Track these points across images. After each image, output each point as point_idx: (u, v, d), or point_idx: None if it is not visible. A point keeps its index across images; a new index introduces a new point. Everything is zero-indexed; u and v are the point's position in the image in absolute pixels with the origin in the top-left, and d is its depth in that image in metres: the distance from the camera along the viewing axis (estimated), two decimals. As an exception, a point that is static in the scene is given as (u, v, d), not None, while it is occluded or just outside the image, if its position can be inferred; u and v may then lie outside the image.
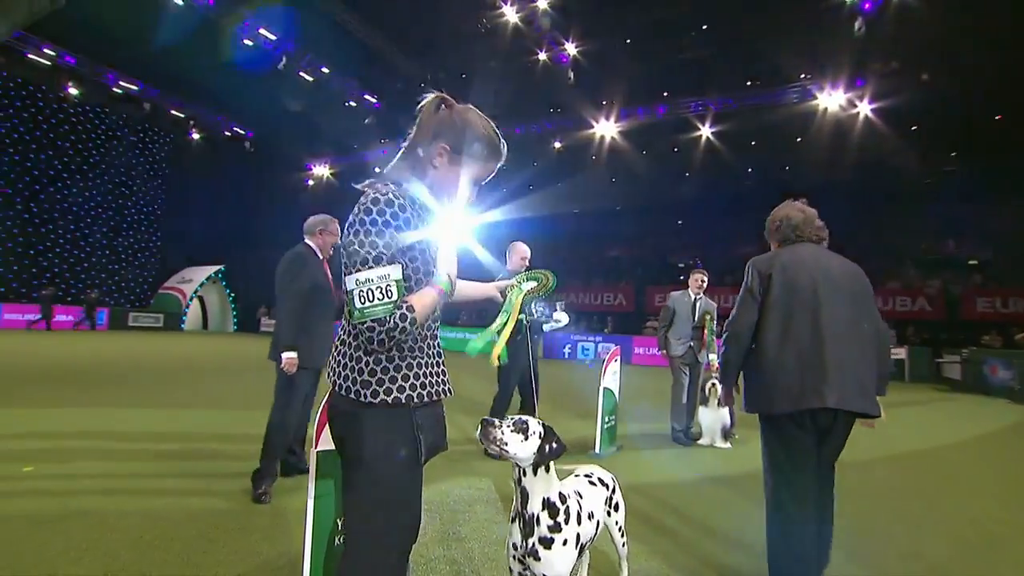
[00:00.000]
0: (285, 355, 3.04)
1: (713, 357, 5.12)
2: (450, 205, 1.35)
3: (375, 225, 1.17)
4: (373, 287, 1.14)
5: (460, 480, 3.57)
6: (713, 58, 17.09)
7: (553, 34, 17.78)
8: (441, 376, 1.33)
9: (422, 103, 1.32)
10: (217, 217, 25.13)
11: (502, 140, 1.35)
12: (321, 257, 3.33)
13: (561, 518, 1.50)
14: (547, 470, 1.50)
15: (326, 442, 1.68)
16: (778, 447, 1.98)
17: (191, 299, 22.83)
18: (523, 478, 1.49)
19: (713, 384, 4.99)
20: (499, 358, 1.52)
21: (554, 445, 1.47)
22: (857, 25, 13.99)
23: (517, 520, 1.51)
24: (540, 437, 1.45)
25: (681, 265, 21.05)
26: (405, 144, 1.34)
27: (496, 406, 4.44)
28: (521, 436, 1.44)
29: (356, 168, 22.67)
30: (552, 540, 1.47)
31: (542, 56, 18.50)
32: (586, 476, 1.84)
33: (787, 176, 19.70)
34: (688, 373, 5.17)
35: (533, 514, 1.49)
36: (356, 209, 1.21)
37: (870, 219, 18.37)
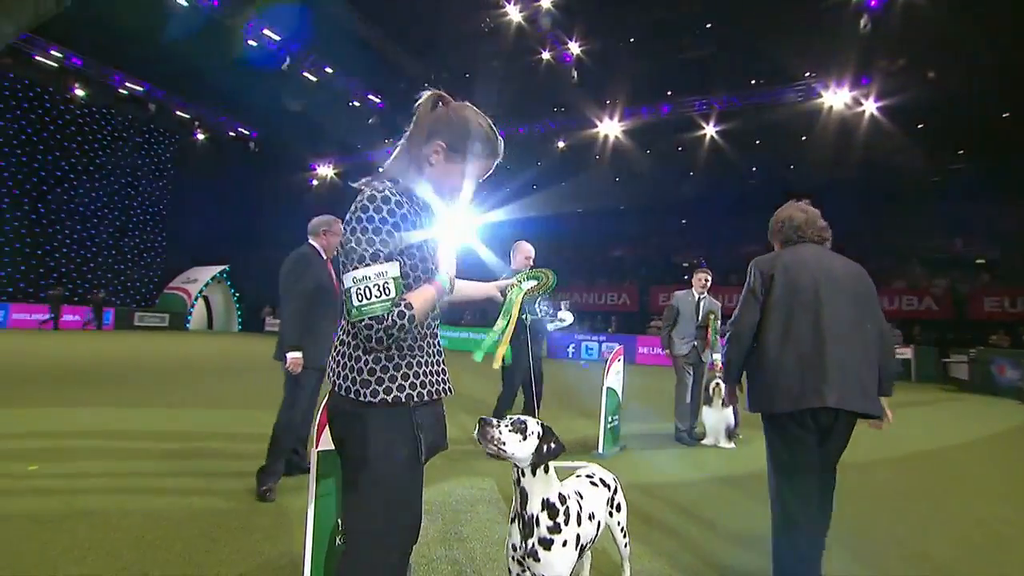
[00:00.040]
0: (290, 355, 3.05)
1: (717, 357, 5.10)
2: (447, 202, 1.34)
3: (372, 223, 1.17)
4: (371, 284, 1.14)
5: (463, 480, 3.56)
6: (717, 57, 17.01)
7: (556, 33, 17.75)
8: (441, 375, 1.32)
9: (419, 101, 1.32)
10: (222, 217, 25.24)
11: (499, 137, 1.34)
12: (325, 257, 3.33)
13: (561, 519, 1.49)
14: (546, 471, 1.49)
15: (326, 442, 1.67)
16: (781, 446, 1.98)
17: (196, 299, 22.95)
18: (522, 479, 1.48)
19: (717, 384, 4.96)
20: (503, 359, 1.52)
21: (552, 445, 1.45)
22: (863, 22, 13.90)
23: (516, 521, 1.50)
24: (538, 437, 1.44)
25: (685, 265, 20.97)
26: (401, 141, 1.33)
27: (500, 405, 4.44)
28: (519, 436, 1.43)
29: (360, 168, 22.56)
30: (552, 541, 1.46)
31: (545, 55, 18.47)
32: (587, 477, 1.82)
33: (792, 175, 19.61)
34: (692, 373, 5.15)
35: (532, 515, 1.47)
36: (353, 207, 1.20)
37: (876, 218, 18.26)
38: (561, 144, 22.09)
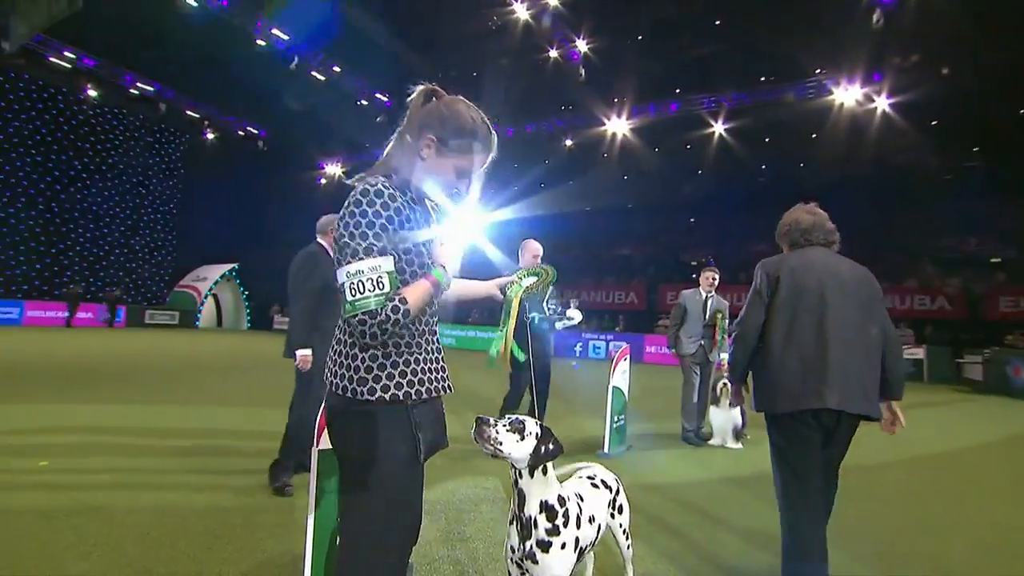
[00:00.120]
0: (299, 353, 3.07)
1: (724, 356, 5.05)
2: (441, 196, 1.33)
3: (365, 217, 1.15)
4: (364, 279, 1.12)
5: (466, 479, 3.55)
6: (725, 54, 16.86)
7: (564, 31, 17.68)
8: (440, 372, 1.30)
9: (411, 95, 1.30)
10: (231, 216, 25.48)
11: (492, 131, 1.32)
12: (333, 256, 3.33)
13: (560, 521, 1.47)
14: (544, 472, 1.47)
15: (327, 441, 1.66)
16: (784, 446, 2.00)
17: (206, 297, 23.18)
18: (519, 480, 1.46)
19: (724, 384, 4.91)
20: (514, 355, 1.51)
21: (551, 446, 1.43)
22: (875, 18, 13.69)
23: (515, 523, 1.49)
24: (536, 438, 1.42)
25: (693, 263, 20.81)
26: (394, 136, 1.32)
27: (506, 405, 4.42)
28: (517, 436, 1.41)
29: (368, 167, 22.56)
30: (550, 544, 1.44)
31: (553, 53, 18.41)
32: (588, 478, 1.80)
33: (802, 173, 19.40)
34: (699, 372, 5.11)
35: (530, 517, 1.46)
36: (346, 202, 1.19)
37: (888, 216, 18.02)
38: (569, 142, 22.03)
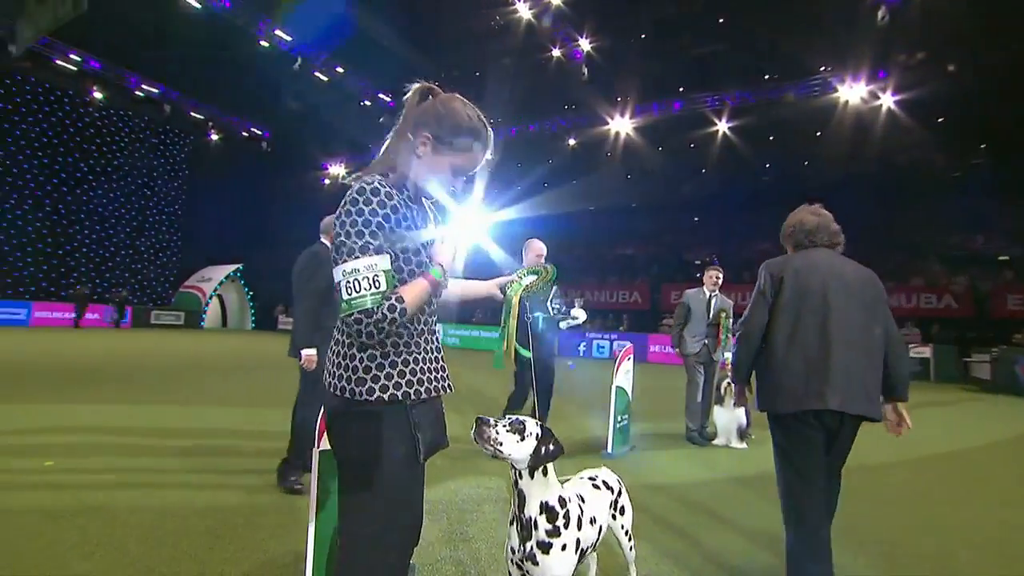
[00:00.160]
0: (304, 352, 3.07)
1: (728, 355, 5.02)
2: (437, 194, 1.32)
3: (361, 215, 1.14)
4: (360, 277, 1.11)
5: (469, 479, 3.55)
6: (729, 52, 16.78)
7: (567, 30, 17.65)
8: (440, 372, 1.29)
9: (407, 94, 1.30)
10: (235, 217, 25.57)
11: (488, 128, 1.31)
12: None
13: (560, 522, 1.46)
14: (544, 474, 1.46)
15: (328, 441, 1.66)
16: (787, 446, 2.01)
17: (211, 297, 23.28)
18: (519, 481, 1.45)
19: (729, 383, 4.89)
20: (518, 354, 1.51)
21: (551, 447, 1.42)
22: (880, 14, 13.59)
23: (515, 524, 1.48)
24: (537, 438, 1.41)
25: (697, 262, 20.73)
26: (390, 135, 1.31)
27: (510, 405, 4.41)
28: (517, 436, 1.40)
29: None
30: (550, 545, 1.43)
31: (556, 53, 18.38)
32: (590, 479, 1.80)
33: (806, 171, 19.29)
34: (703, 372, 5.08)
35: (530, 518, 1.45)
36: (343, 201, 1.18)
37: (894, 214, 17.88)
38: (572, 142, 21.99)
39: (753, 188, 19.78)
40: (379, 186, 1.18)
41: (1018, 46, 13.27)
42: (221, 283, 23.57)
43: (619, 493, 1.84)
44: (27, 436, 4.07)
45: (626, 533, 1.86)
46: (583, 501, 1.60)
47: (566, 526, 1.46)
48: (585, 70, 18.25)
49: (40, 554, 2.25)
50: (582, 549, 1.53)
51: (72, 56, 19.30)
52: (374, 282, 1.11)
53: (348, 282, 1.11)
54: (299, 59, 18.73)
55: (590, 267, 23.17)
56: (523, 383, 4.40)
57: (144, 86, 21.42)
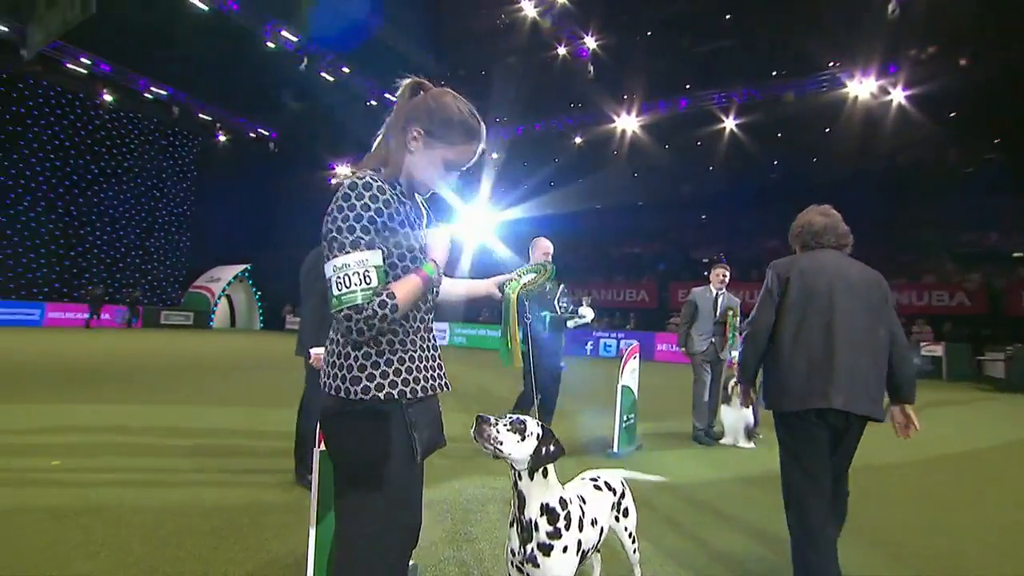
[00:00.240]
0: (314, 351, 3.07)
1: (735, 354, 4.97)
2: (430, 190, 1.31)
3: (352, 210, 1.13)
4: (350, 272, 1.09)
5: (474, 479, 3.53)
6: (736, 48, 16.64)
7: (572, 28, 17.59)
8: (436, 370, 1.27)
9: (398, 89, 1.29)
10: (243, 217, 25.76)
11: (480, 123, 1.29)
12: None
13: (561, 524, 1.43)
14: (545, 475, 1.43)
15: (328, 442, 1.65)
16: (792, 444, 2.02)
17: (219, 297, 23.46)
18: (519, 482, 1.43)
19: (736, 383, 4.84)
20: (522, 354, 1.49)
21: (551, 448, 1.40)
22: (891, 7, 13.40)
23: (515, 525, 1.46)
24: (537, 439, 1.39)
25: (704, 260, 20.62)
26: (381, 131, 1.30)
27: (520, 404, 4.39)
28: (518, 436, 1.37)
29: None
30: (551, 547, 1.41)
31: (561, 51, 18.33)
32: (592, 480, 1.77)
33: (815, 168, 19.10)
34: (710, 371, 5.04)
35: (531, 520, 1.42)
36: (335, 197, 1.17)
37: (904, 211, 17.67)
38: (578, 140, 21.93)
39: (760, 185, 19.63)
40: (371, 181, 1.16)
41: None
42: (229, 283, 23.75)
43: (622, 495, 1.81)
44: (32, 436, 4.10)
45: (630, 535, 1.84)
46: (584, 502, 1.58)
47: (567, 528, 1.44)
48: (591, 68, 18.19)
49: (44, 553, 2.26)
50: (583, 551, 1.51)
51: (82, 59, 19.54)
52: (365, 278, 1.09)
53: (338, 278, 1.10)
54: (305, 59, 18.81)
55: (597, 266, 23.11)
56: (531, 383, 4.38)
57: (153, 88, 21.64)
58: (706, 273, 5.34)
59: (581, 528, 1.49)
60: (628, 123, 19.94)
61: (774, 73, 17.42)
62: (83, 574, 2.11)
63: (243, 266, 24.03)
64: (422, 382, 1.21)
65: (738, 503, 3.33)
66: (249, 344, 15.96)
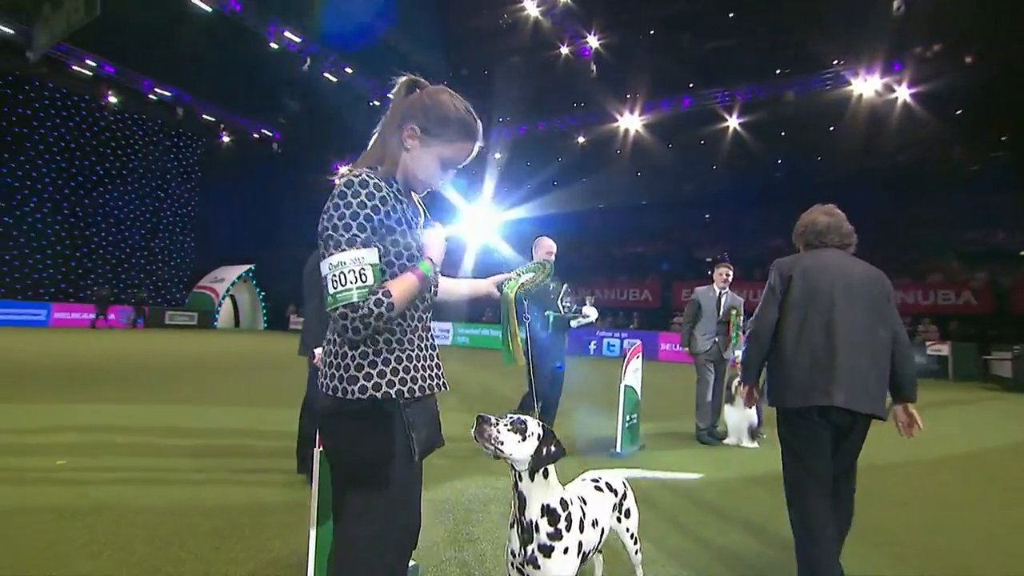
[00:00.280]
0: (318, 351, 3.08)
1: (739, 353, 4.94)
2: (427, 188, 1.30)
3: (349, 208, 1.12)
4: (346, 270, 1.09)
5: (476, 479, 3.52)
6: (739, 47, 16.57)
7: (575, 28, 17.56)
8: (434, 369, 1.27)
9: (394, 88, 1.29)
10: (247, 218, 25.82)
11: (477, 120, 1.29)
12: None
13: (562, 525, 1.42)
14: (545, 476, 1.42)
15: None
16: (793, 442, 2.03)
17: (223, 298, 23.56)
18: (519, 483, 1.42)
19: (739, 382, 4.81)
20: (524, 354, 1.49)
21: (552, 449, 1.39)
22: (896, 4, 13.31)
23: (515, 526, 1.45)
24: (538, 439, 1.38)
25: (708, 260, 20.53)
26: (377, 129, 1.30)
27: (524, 404, 4.39)
28: (518, 436, 1.36)
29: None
30: (552, 548, 1.40)
31: (564, 50, 18.30)
32: (592, 481, 1.76)
33: (819, 166, 19.00)
34: (713, 370, 5.02)
35: (531, 521, 1.41)
36: (331, 195, 1.16)
37: (909, 209, 17.55)
38: (581, 139, 21.89)
39: (764, 184, 19.55)
40: (367, 179, 1.15)
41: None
42: (233, 283, 23.84)
43: (623, 496, 1.80)
44: (34, 435, 4.12)
45: (632, 536, 1.83)
46: (584, 503, 1.57)
47: (568, 529, 1.43)
48: (594, 67, 18.15)
49: (46, 552, 2.26)
50: (584, 552, 1.50)
51: (87, 61, 19.62)
52: (360, 276, 1.09)
53: (334, 275, 1.09)
54: (308, 60, 18.85)
55: (600, 265, 23.08)
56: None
57: (157, 89, 21.72)
58: (709, 272, 5.32)
59: (582, 529, 1.48)
60: (631, 122, 19.89)
61: (777, 71, 17.33)
62: (85, 574, 2.12)
63: (247, 266, 24.11)
64: (420, 381, 1.21)
65: (741, 503, 3.31)
66: (252, 344, 16.01)
